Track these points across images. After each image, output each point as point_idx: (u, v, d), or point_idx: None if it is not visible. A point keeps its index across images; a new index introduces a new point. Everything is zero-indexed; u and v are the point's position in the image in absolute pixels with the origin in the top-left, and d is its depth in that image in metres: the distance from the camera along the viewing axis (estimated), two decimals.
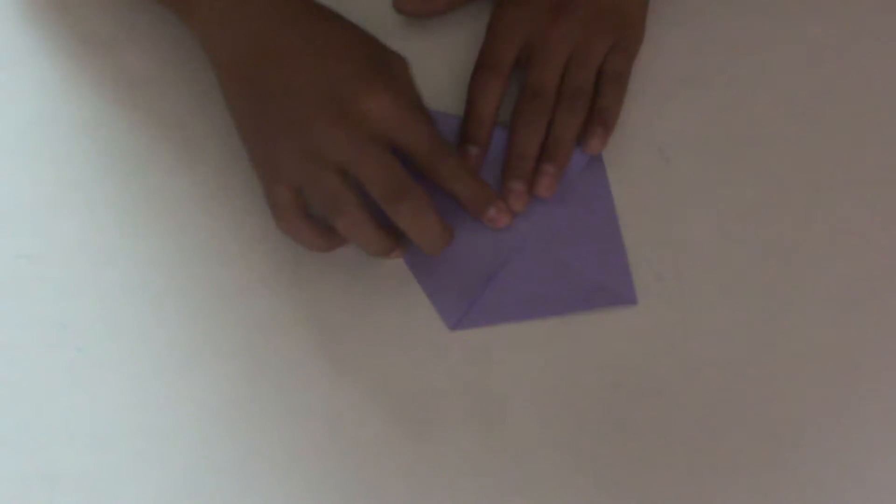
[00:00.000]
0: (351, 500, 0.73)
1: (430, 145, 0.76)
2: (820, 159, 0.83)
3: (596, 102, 0.82)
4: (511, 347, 0.77)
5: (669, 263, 0.80)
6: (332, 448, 0.75)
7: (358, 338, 0.78)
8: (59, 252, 0.80)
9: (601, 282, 0.79)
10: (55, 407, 0.76)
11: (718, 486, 0.74)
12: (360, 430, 0.75)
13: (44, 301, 0.79)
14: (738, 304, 0.78)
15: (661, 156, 0.83)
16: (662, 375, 0.76)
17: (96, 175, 0.82)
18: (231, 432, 0.75)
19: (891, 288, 0.79)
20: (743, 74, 0.86)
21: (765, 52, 0.86)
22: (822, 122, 0.84)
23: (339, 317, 0.78)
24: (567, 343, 0.77)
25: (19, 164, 0.83)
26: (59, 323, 0.78)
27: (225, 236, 0.80)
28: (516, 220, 0.80)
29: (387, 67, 0.75)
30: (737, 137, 0.84)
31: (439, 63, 0.85)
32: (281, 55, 0.75)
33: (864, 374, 0.77)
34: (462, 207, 0.79)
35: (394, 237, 0.77)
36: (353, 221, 0.74)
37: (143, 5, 0.86)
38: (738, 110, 0.84)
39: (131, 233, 0.80)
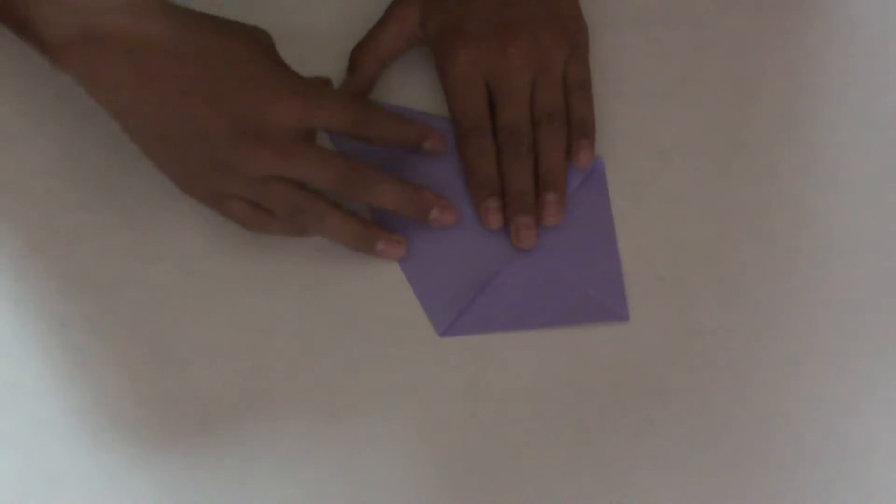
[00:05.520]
0: (350, 500, 0.73)
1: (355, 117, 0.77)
2: (819, 159, 0.83)
3: (570, 116, 0.82)
4: (510, 348, 0.77)
5: (669, 263, 0.80)
6: (332, 448, 0.75)
7: (357, 339, 0.78)
8: (59, 251, 0.80)
9: (594, 297, 0.78)
10: (55, 407, 0.76)
11: (718, 486, 0.74)
12: (360, 430, 0.75)
13: (44, 300, 0.79)
14: (737, 304, 0.78)
15: (661, 156, 0.83)
16: (661, 375, 0.77)
17: (97, 172, 0.82)
18: (231, 432, 0.75)
19: (891, 288, 0.79)
20: (743, 74, 0.86)
21: (765, 52, 0.86)
22: (822, 122, 0.84)
23: (339, 318, 0.78)
24: (566, 343, 0.77)
25: (19, 162, 0.83)
26: (59, 323, 0.78)
27: (225, 235, 0.80)
28: None
29: (266, 60, 0.75)
30: (737, 137, 0.84)
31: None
32: (169, 87, 0.74)
33: (864, 374, 0.77)
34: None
35: (369, 224, 0.78)
36: (318, 215, 0.76)
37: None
38: (738, 110, 0.84)
39: (131, 231, 0.80)
